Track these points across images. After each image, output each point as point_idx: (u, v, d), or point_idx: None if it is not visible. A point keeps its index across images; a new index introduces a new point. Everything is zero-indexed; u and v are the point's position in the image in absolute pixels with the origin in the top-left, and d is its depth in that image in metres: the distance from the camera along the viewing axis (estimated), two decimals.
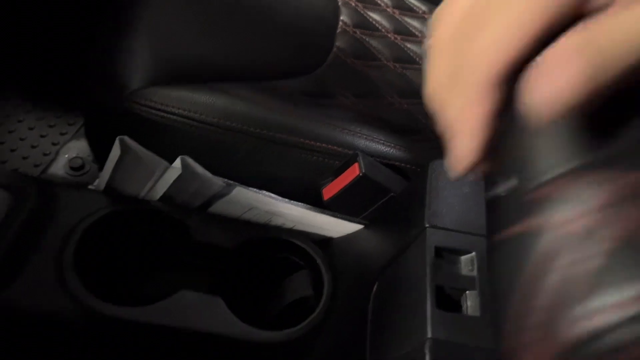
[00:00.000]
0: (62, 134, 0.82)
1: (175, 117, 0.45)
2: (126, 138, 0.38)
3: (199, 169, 0.40)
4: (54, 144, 0.81)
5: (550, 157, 0.17)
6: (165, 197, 0.44)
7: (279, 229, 0.46)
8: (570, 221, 0.15)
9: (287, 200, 0.43)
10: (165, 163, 0.39)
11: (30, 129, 0.83)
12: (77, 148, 0.73)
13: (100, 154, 0.53)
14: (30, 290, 0.38)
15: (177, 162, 0.40)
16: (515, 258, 0.16)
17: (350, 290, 0.43)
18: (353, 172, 0.43)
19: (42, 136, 0.82)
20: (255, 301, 0.44)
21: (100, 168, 0.61)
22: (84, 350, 0.40)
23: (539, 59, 0.17)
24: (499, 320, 0.17)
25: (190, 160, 0.40)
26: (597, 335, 0.14)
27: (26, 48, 0.81)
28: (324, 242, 0.47)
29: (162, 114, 0.45)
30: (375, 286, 0.38)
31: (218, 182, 0.41)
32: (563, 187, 0.16)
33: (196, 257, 0.44)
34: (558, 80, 0.16)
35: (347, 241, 0.46)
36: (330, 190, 0.45)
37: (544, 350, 0.15)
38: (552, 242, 0.15)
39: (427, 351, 0.28)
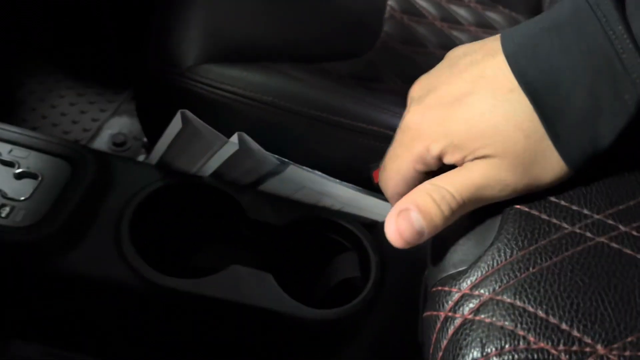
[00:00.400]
0: (102, 111, 0.84)
1: (229, 94, 0.46)
2: (187, 112, 0.38)
3: (255, 146, 0.41)
4: (94, 120, 0.83)
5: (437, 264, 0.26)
6: (217, 174, 0.45)
7: (328, 210, 0.46)
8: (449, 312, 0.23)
9: (337, 181, 0.43)
10: (223, 138, 0.40)
11: (72, 104, 0.84)
12: (119, 124, 0.74)
13: (150, 130, 0.54)
14: (89, 258, 0.39)
15: (234, 138, 0.40)
16: (428, 334, 0.24)
17: (398, 273, 0.43)
18: None
19: (82, 112, 0.84)
20: (303, 280, 0.45)
21: (150, 143, 0.62)
22: (136, 317, 0.41)
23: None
24: None
25: (246, 137, 0.40)
26: None
27: (77, 22, 0.82)
28: (371, 225, 0.47)
29: (217, 91, 0.46)
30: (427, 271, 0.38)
31: (272, 159, 0.42)
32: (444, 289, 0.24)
33: (247, 233, 0.45)
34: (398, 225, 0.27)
35: None
36: None
37: None
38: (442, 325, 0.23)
39: None
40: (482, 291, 0.22)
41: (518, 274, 0.22)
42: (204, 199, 0.45)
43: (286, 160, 0.42)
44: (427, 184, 0.26)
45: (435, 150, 0.27)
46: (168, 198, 0.44)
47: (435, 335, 0.23)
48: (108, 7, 0.76)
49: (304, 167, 0.42)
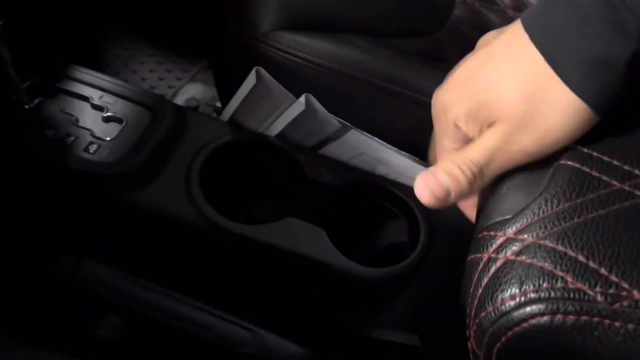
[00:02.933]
0: (178, 79, 0.89)
1: (299, 60, 0.49)
2: (261, 69, 0.41)
3: (320, 107, 0.43)
4: (170, 87, 0.88)
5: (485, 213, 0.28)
6: (281, 135, 0.48)
7: (383, 178, 0.48)
8: (492, 253, 0.24)
9: (396, 149, 0.45)
10: (292, 97, 0.43)
11: (151, 71, 0.90)
12: (194, 90, 0.79)
13: (224, 91, 0.58)
14: (161, 196, 0.43)
15: (302, 98, 0.43)
16: (470, 274, 0.25)
17: (446, 243, 0.44)
18: None
19: (160, 79, 0.89)
20: (353, 240, 0.47)
21: (222, 106, 0.66)
22: (197, 253, 0.44)
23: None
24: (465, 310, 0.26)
25: (313, 99, 0.43)
26: (501, 315, 0.22)
27: None
28: None
29: (288, 56, 0.49)
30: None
31: (335, 122, 0.44)
32: (489, 234, 0.26)
33: (304, 191, 0.47)
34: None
35: None
36: None
37: (477, 325, 0.24)
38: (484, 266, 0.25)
39: None
40: (525, 236, 0.23)
41: (563, 223, 0.23)
42: (268, 156, 0.48)
43: (348, 124, 0.44)
44: (449, 154, 0.32)
45: (460, 124, 0.31)
46: (235, 152, 0.48)
47: (476, 275, 0.24)
48: None
49: (365, 133, 0.44)
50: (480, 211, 0.28)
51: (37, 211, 0.44)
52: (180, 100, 0.77)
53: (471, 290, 0.24)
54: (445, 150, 0.34)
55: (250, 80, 0.42)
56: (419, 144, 0.49)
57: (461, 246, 0.43)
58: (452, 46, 0.58)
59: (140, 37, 0.94)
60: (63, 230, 0.45)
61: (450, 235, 0.45)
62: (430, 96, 0.50)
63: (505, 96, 0.28)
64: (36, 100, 0.46)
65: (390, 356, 0.41)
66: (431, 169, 0.31)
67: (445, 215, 0.47)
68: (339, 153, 0.47)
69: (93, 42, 0.90)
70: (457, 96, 0.31)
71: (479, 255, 0.25)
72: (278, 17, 0.51)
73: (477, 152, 0.29)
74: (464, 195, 0.30)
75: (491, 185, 0.28)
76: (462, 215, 0.47)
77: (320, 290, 0.44)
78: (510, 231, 0.24)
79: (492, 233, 0.25)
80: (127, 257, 0.44)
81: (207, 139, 0.47)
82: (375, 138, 0.44)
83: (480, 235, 0.25)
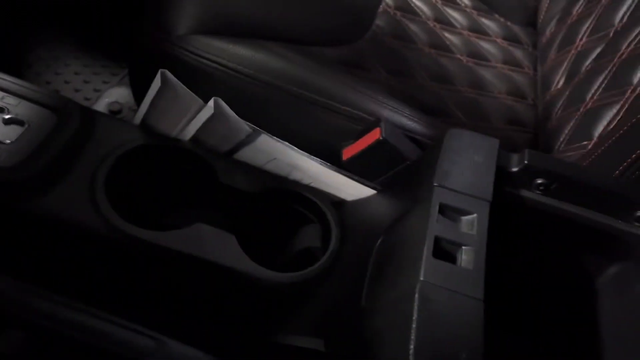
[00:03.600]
0: (104, 82, 0.87)
1: (214, 64, 0.48)
2: (167, 72, 0.41)
3: (230, 112, 0.43)
4: (95, 90, 0.86)
5: None
6: (195, 140, 0.47)
7: (297, 184, 0.48)
8: None
9: (307, 155, 0.45)
10: (199, 101, 0.42)
11: (76, 73, 0.87)
12: (118, 94, 0.77)
13: (139, 95, 0.57)
14: (64, 202, 0.42)
15: (210, 103, 0.42)
16: None
17: (355, 248, 0.45)
18: (374, 135, 0.45)
19: (85, 82, 0.87)
20: (266, 246, 0.47)
21: None
22: (102, 261, 0.43)
23: None
24: None
25: (222, 102, 0.43)
26: None
27: None
28: (337, 204, 0.49)
29: (203, 60, 0.48)
30: (379, 241, 0.40)
31: (245, 127, 0.44)
32: None
33: (218, 197, 0.47)
34: None
35: (359, 204, 0.48)
36: (349, 151, 0.47)
37: None
38: None
39: (417, 292, 0.29)
40: None
41: None
42: (180, 161, 0.47)
43: (258, 129, 0.44)
44: None
45: None
46: (146, 157, 0.47)
47: None
48: None
49: (275, 138, 0.44)
50: None
51: None
52: (103, 103, 0.75)
53: None
54: None
55: (156, 84, 0.42)
56: (332, 149, 0.49)
57: (367, 249, 0.44)
58: (372, 55, 0.59)
59: (68, 39, 0.90)
60: None
61: (359, 238, 0.46)
62: (344, 104, 0.51)
63: None
64: None
65: None
66: None
67: (356, 222, 0.48)
68: (253, 158, 0.47)
69: (12, 42, 0.86)
70: None
71: None
72: (194, 21, 0.51)
73: None
74: None
75: None
76: (370, 222, 0.48)
77: (228, 297, 0.43)
78: None
79: None
80: (27, 266, 0.42)
81: (116, 143, 0.45)
82: (286, 143, 0.44)
83: None
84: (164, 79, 0.40)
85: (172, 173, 0.48)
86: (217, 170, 0.47)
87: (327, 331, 0.40)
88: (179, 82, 0.41)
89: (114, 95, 0.77)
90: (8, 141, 0.43)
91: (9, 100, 0.46)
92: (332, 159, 0.47)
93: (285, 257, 0.47)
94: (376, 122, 0.46)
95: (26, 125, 0.44)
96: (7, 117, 0.44)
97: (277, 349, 0.41)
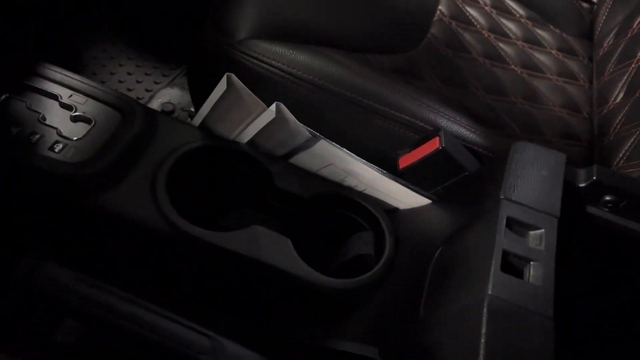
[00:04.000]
0: (156, 83, 0.89)
1: (274, 69, 0.49)
2: (233, 75, 0.41)
3: (290, 116, 0.43)
4: (147, 91, 0.88)
5: None
6: (252, 143, 0.47)
7: (352, 190, 0.48)
8: None
9: (364, 161, 0.45)
10: (262, 105, 0.43)
11: (129, 74, 0.90)
12: (170, 95, 0.79)
13: (198, 97, 0.58)
14: (126, 200, 0.43)
15: (272, 107, 0.43)
16: None
17: (409, 257, 0.45)
18: (432, 145, 0.44)
19: (138, 82, 0.89)
20: (319, 251, 0.47)
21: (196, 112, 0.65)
22: (162, 259, 0.44)
23: None
24: None
25: (283, 107, 0.43)
26: None
27: None
28: (390, 212, 0.49)
29: (262, 64, 0.49)
30: (438, 251, 0.40)
31: (305, 132, 0.44)
32: None
33: (273, 201, 0.47)
34: None
35: (413, 213, 0.48)
36: (406, 160, 0.47)
37: None
38: None
39: (485, 305, 0.29)
40: None
41: None
42: (238, 164, 0.48)
43: (318, 134, 0.44)
44: None
45: None
46: (205, 158, 0.48)
47: None
48: None
49: (334, 144, 0.44)
50: None
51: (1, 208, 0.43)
52: (156, 103, 0.77)
53: None
54: None
55: (221, 87, 0.42)
56: (387, 157, 0.49)
57: (423, 258, 0.44)
58: (426, 64, 0.59)
59: (122, 40, 0.93)
60: (24, 229, 0.44)
61: (414, 247, 0.46)
62: (402, 112, 0.51)
63: None
64: (2, 97, 0.45)
65: None
66: None
67: (410, 231, 0.47)
68: (309, 163, 0.47)
69: (72, 42, 0.89)
70: None
71: None
72: (255, 25, 0.51)
73: None
74: None
75: None
76: (426, 231, 0.47)
77: (283, 300, 0.44)
78: None
79: None
80: (89, 260, 0.43)
81: (177, 143, 0.46)
82: (344, 149, 0.45)
83: None
84: (229, 82, 0.41)
85: (230, 175, 0.49)
86: (273, 174, 0.47)
87: (381, 339, 0.40)
88: (244, 86, 0.42)
89: (166, 95, 0.79)
90: (75, 138, 0.45)
91: (77, 99, 0.47)
92: (387, 167, 0.47)
93: (337, 263, 0.47)
94: (435, 131, 0.46)
95: (93, 123, 0.46)
96: (75, 114, 0.46)
97: (330, 354, 0.41)
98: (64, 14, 0.86)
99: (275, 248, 0.43)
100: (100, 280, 0.43)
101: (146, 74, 0.89)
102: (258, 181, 0.48)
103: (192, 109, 0.74)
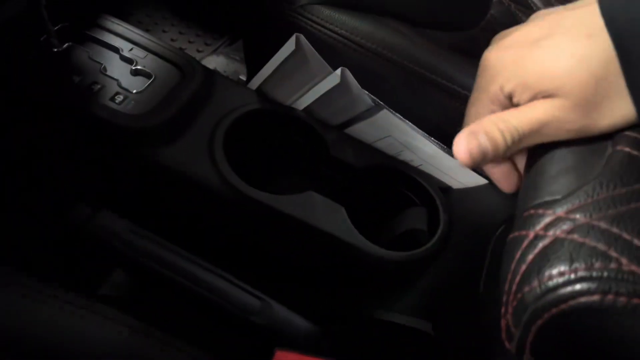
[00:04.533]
0: (198, 51, 0.88)
1: (336, 36, 0.48)
2: (302, 36, 0.41)
3: (355, 83, 0.43)
4: None
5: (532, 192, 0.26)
6: (308, 110, 0.47)
7: (407, 164, 0.47)
8: (540, 230, 0.24)
9: (426, 135, 0.44)
10: (329, 68, 0.42)
11: (173, 40, 0.89)
12: (216, 62, 0.78)
13: (253, 65, 0.57)
14: (183, 156, 0.42)
15: (338, 72, 0.42)
16: (512, 251, 0.25)
17: (464, 234, 0.44)
18: None
19: (181, 49, 0.88)
20: (370, 222, 0.46)
21: (245, 79, 0.65)
22: (216, 217, 0.44)
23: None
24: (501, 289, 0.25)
25: (349, 73, 0.42)
26: (547, 290, 0.22)
27: None
28: (444, 190, 0.48)
29: (325, 31, 0.48)
30: (501, 229, 0.39)
31: (368, 100, 0.43)
32: (537, 212, 0.25)
33: (326, 169, 0.47)
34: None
35: (468, 193, 0.47)
36: None
37: (519, 300, 0.23)
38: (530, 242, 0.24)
39: None
40: (578, 216, 0.23)
41: (618, 206, 0.22)
42: (294, 130, 0.48)
43: (381, 103, 0.43)
44: (494, 116, 0.30)
45: (507, 88, 0.30)
46: (261, 122, 0.47)
47: (520, 251, 0.23)
48: None
49: (397, 114, 0.44)
50: (525, 190, 0.28)
51: (58, 155, 0.43)
52: None
53: (512, 266, 0.24)
54: (483, 106, 0.33)
55: (288, 48, 0.42)
56: (446, 133, 0.48)
57: (478, 240, 0.43)
58: (485, 44, 0.57)
59: (165, 7, 0.93)
60: (81, 177, 0.44)
61: (468, 228, 0.45)
62: (464, 88, 0.50)
63: (576, 74, 0.26)
64: (65, 45, 0.45)
65: (400, 341, 0.40)
66: (474, 128, 0.30)
67: (464, 210, 0.47)
68: (365, 134, 0.47)
69: (117, 4, 0.89)
70: (514, 60, 0.30)
71: (524, 232, 0.24)
72: None
73: (524, 121, 0.29)
74: (497, 159, 0.31)
75: (539, 166, 0.28)
76: (481, 211, 0.46)
77: (335, 268, 0.43)
78: (561, 210, 0.23)
79: (540, 211, 0.24)
80: (144, 212, 0.43)
81: (234, 105, 0.46)
82: (407, 121, 0.44)
83: (526, 213, 0.25)
84: (298, 43, 0.40)
85: (284, 140, 0.48)
86: (328, 142, 0.46)
87: (435, 314, 0.39)
88: (312, 48, 0.41)
89: (211, 63, 0.78)
90: (135, 91, 0.44)
91: (137, 53, 0.47)
92: (446, 143, 0.46)
93: (389, 235, 0.46)
94: None
95: (153, 78, 0.45)
96: (135, 68, 0.46)
97: (382, 326, 0.40)
98: None
99: (330, 215, 0.42)
100: (153, 232, 0.43)
101: (189, 42, 0.89)
102: (312, 149, 0.48)
103: (240, 77, 0.74)
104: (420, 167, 0.48)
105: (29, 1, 0.40)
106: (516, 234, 0.25)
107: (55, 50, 0.44)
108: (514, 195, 0.44)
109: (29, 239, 0.42)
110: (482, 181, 0.47)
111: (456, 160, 0.45)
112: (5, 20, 0.41)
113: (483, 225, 0.43)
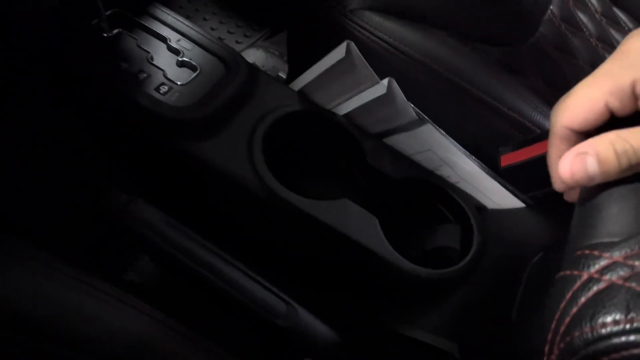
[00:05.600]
0: (237, 42, 0.88)
1: (384, 44, 0.47)
2: (352, 44, 0.40)
3: (400, 94, 0.42)
4: None
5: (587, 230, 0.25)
6: (348, 116, 0.46)
7: (444, 180, 0.47)
8: (595, 273, 0.23)
9: (467, 153, 0.44)
10: (376, 78, 0.41)
11: (212, 29, 0.89)
12: (255, 56, 0.78)
13: (296, 64, 0.57)
14: (222, 152, 0.42)
15: (385, 82, 0.41)
16: (562, 290, 0.24)
17: (497, 257, 0.43)
18: (542, 147, 0.42)
19: (220, 39, 0.88)
20: (403, 235, 0.46)
21: (289, 77, 0.65)
22: (249, 217, 0.43)
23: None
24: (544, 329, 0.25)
25: (395, 85, 0.41)
26: (599, 338, 0.21)
27: None
28: (479, 209, 0.47)
29: (373, 38, 0.47)
30: (538, 257, 0.38)
31: (412, 113, 0.43)
32: (593, 253, 0.24)
33: (360, 177, 0.46)
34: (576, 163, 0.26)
35: (504, 215, 0.46)
36: (509, 159, 0.45)
37: (567, 342, 0.22)
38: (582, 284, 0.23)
39: None
40: (637, 263, 0.22)
41: None
42: (333, 135, 0.47)
43: (425, 117, 0.42)
44: (612, 134, 0.26)
45: None
46: (299, 123, 0.47)
47: (571, 292, 0.23)
48: None
49: (440, 130, 0.43)
50: (580, 226, 0.27)
51: (99, 140, 0.44)
52: None
53: (562, 306, 0.23)
54: (594, 105, 0.28)
55: (337, 53, 0.41)
56: (484, 151, 0.47)
57: (512, 264, 0.42)
58: (532, 62, 0.56)
59: None
60: (119, 164, 0.44)
61: (502, 251, 0.44)
62: (512, 110, 0.49)
63: None
64: (115, 31, 0.45)
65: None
66: (584, 147, 0.26)
67: (499, 231, 0.46)
68: (404, 145, 0.46)
69: None
70: None
71: (576, 272, 0.23)
72: None
73: None
74: (606, 181, 0.26)
75: (597, 201, 0.27)
76: (516, 234, 0.45)
77: (364, 279, 0.43)
78: (619, 255, 0.23)
79: (595, 253, 0.23)
80: (179, 205, 0.44)
81: (275, 104, 0.46)
82: (450, 137, 0.43)
83: (579, 252, 0.24)
84: (348, 49, 0.40)
85: (320, 144, 0.48)
86: (366, 150, 0.46)
87: (462, 336, 0.38)
88: (361, 56, 0.40)
89: (250, 56, 0.78)
90: (180, 83, 0.44)
91: (184, 44, 0.47)
92: (484, 160, 0.46)
93: (418, 250, 0.46)
94: (545, 134, 0.43)
95: (198, 71, 0.45)
96: (181, 59, 0.46)
97: (405, 342, 0.40)
98: None
99: (363, 225, 0.42)
100: (186, 225, 0.43)
101: (229, 32, 0.89)
102: (349, 155, 0.47)
103: (280, 74, 0.73)
104: (458, 184, 0.47)
105: None
106: (567, 272, 0.24)
107: (105, 35, 0.45)
108: (552, 222, 0.44)
109: (64, 222, 0.42)
110: (519, 204, 0.46)
111: (495, 182, 0.45)
112: (60, 1, 0.41)
113: (517, 250, 0.42)
